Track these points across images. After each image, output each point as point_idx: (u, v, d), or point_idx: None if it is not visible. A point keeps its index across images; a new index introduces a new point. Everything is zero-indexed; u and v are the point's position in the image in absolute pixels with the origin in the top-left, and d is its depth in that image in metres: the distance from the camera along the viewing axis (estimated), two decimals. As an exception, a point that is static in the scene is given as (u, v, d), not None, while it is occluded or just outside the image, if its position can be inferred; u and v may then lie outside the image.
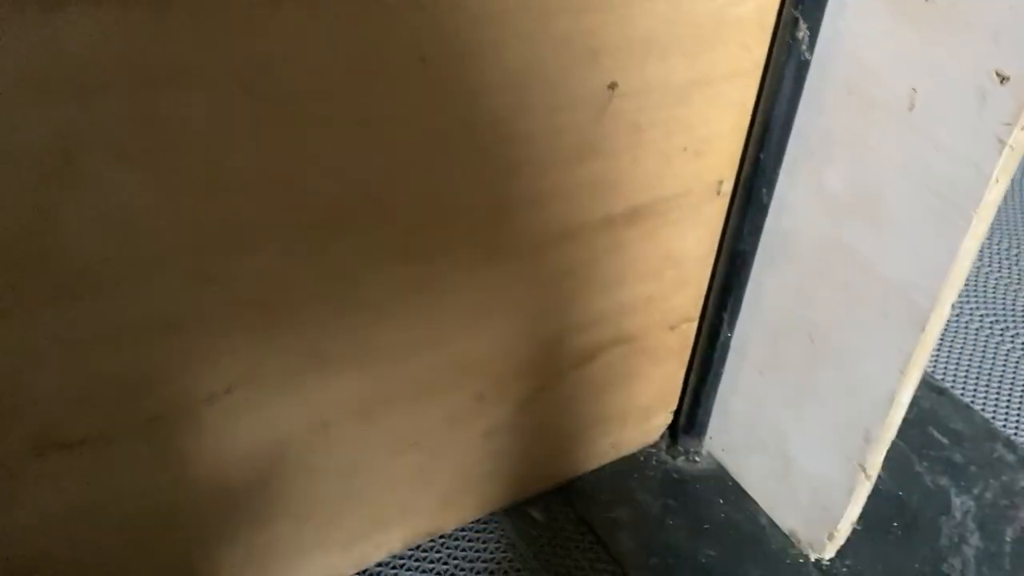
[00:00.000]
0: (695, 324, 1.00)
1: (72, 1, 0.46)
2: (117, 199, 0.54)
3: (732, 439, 1.05)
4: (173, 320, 0.61)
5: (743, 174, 0.85)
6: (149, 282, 0.58)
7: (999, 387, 1.25)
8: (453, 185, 0.68)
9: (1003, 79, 0.62)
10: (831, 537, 0.94)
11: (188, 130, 0.54)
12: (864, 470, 0.87)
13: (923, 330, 0.75)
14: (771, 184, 0.84)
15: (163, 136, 0.53)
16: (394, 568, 0.94)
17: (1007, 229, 1.61)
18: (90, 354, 0.58)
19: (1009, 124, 0.63)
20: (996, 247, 1.57)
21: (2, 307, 0.54)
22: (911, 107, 0.70)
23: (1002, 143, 0.64)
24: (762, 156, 0.82)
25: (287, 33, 0.53)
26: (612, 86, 0.70)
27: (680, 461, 1.09)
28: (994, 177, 0.66)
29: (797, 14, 0.73)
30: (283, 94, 0.56)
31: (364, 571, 0.93)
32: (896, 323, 0.77)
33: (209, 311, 0.62)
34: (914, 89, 0.69)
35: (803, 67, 0.76)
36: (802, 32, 0.74)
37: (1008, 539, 1.02)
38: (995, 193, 0.67)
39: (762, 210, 0.86)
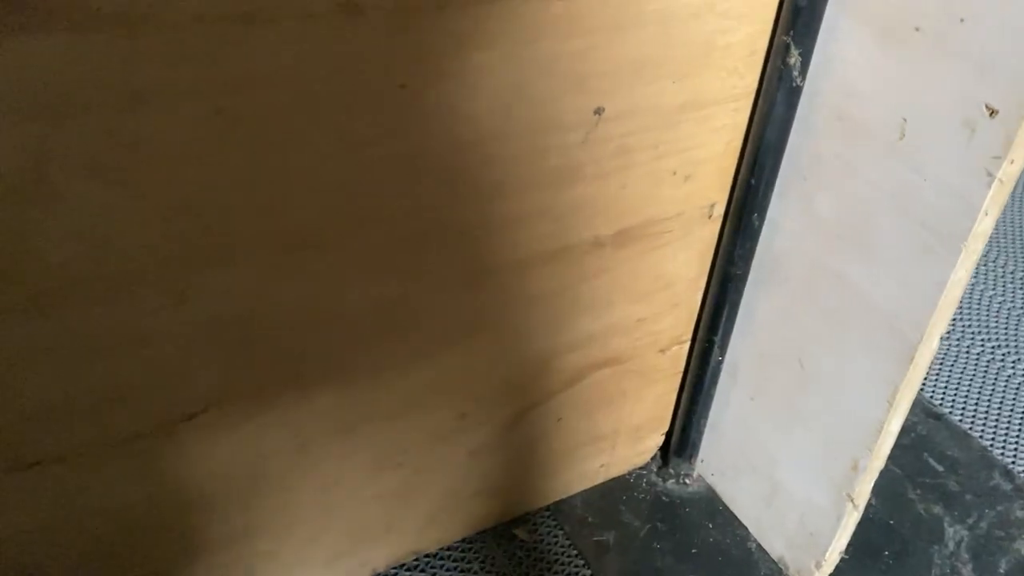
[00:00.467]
0: (687, 346, 0.99)
1: (44, 25, 0.46)
2: (89, 216, 0.54)
3: (723, 463, 1.04)
4: (146, 337, 0.60)
5: (735, 198, 0.85)
6: (121, 299, 0.58)
7: (999, 414, 1.23)
8: (434, 205, 0.68)
9: (992, 112, 0.61)
10: (818, 566, 0.93)
11: (161, 149, 0.54)
12: (852, 500, 0.86)
13: (911, 362, 0.74)
14: (763, 208, 0.84)
15: (136, 155, 0.53)
16: (377, 586, 0.94)
17: (1011, 249, 1.58)
18: (61, 371, 0.58)
19: (998, 157, 0.62)
20: (1002, 269, 1.54)
21: (-27, 325, 0.54)
22: (901, 136, 0.69)
23: (991, 176, 0.63)
24: (753, 181, 0.81)
25: (261, 57, 0.53)
26: (598, 111, 0.69)
27: (671, 484, 1.08)
28: (983, 210, 0.65)
29: (789, 40, 0.73)
30: (257, 116, 0.55)
31: (347, 588, 0.93)
32: (884, 354, 0.76)
33: (183, 328, 0.61)
34: (904, 119, 0.68)
35: (795, 93, 0.76)
36: (794, 58, 0.73)
37: (1002, 571, 1.00)
38: (984, 226, 0.66)
39: (754, 234, 0.85)
